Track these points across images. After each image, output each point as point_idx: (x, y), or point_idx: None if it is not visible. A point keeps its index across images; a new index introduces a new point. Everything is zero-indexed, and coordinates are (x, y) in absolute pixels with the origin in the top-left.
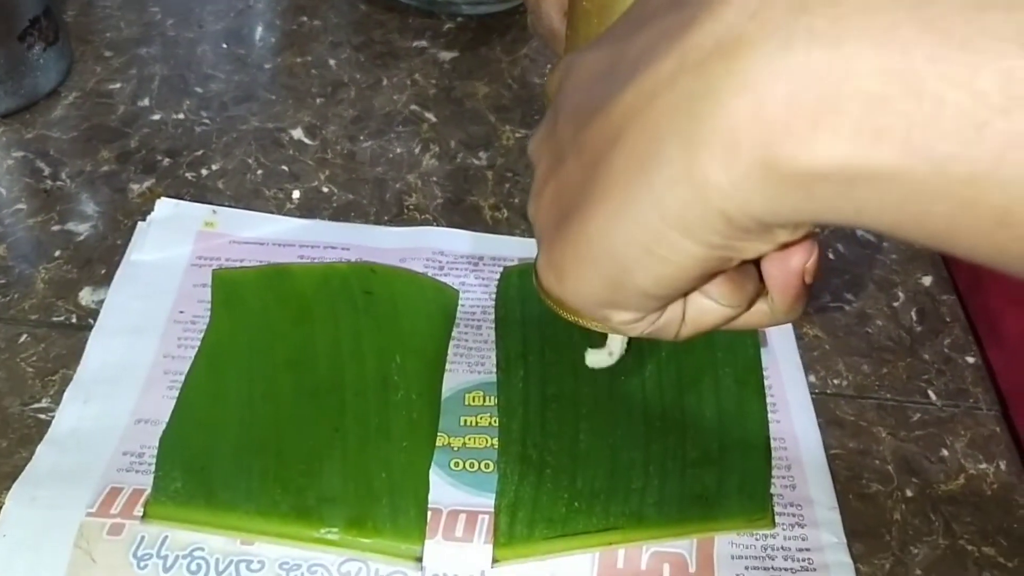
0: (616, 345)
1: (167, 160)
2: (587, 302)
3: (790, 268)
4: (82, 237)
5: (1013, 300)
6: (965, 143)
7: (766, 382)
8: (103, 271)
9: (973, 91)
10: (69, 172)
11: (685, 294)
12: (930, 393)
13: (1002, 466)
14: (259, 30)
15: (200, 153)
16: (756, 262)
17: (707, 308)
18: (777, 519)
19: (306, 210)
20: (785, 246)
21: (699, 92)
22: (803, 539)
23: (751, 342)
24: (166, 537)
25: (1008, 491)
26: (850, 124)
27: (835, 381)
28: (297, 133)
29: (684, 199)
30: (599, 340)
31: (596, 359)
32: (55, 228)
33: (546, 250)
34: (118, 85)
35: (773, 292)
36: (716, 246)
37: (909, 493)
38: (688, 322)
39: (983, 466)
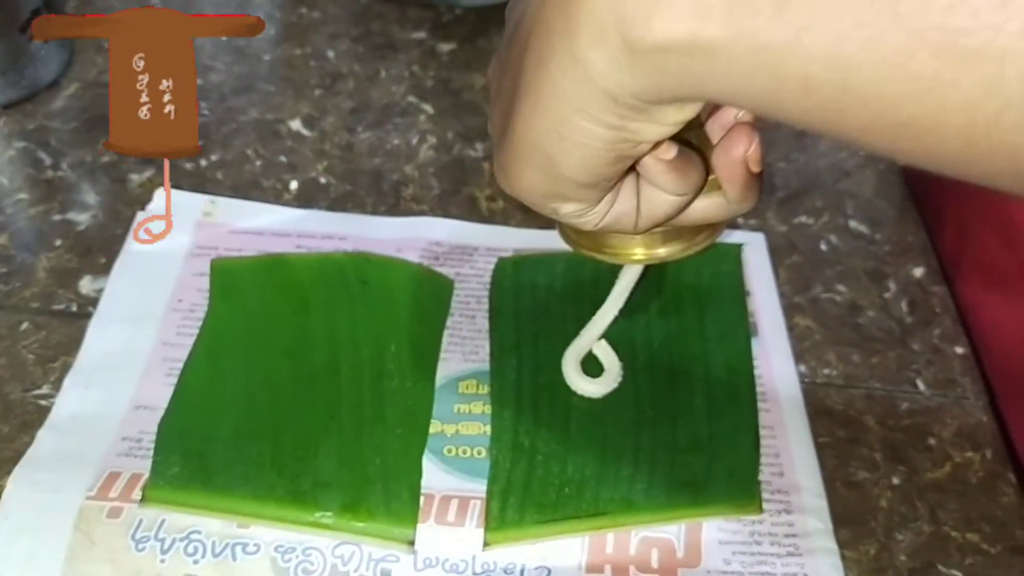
0: (611, 376)
1: None
2: (535, 196)
3: (733, 157)
4: (83, 226)
5: (1001, 290)
6: (771, 20)
7: (756, 372)
8: (103, 260)
9: None
10: (70, 162)
11: (613, 182)
12: (918, 383)
13: (988, 455)
14: None
15: (200, 143)
16: (702, 153)
17: (657, 198)
18: (764, 505)
19: (304, 200)
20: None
21: None
22: (789, 525)
23: (742, 333)
24: (164, 520)
25: (993, 479)
26: (683, 3)
27: (825, 371)
28: (296, 124)
29: (575, 83)
30: (595, 371)
31: (589, 388)
32: (56, 217)
33: (497, 156)
34: None
35: (723, 182)
36: (615, 126)
37: (896, 481)
38: (643, 213)
39: (969, 455)
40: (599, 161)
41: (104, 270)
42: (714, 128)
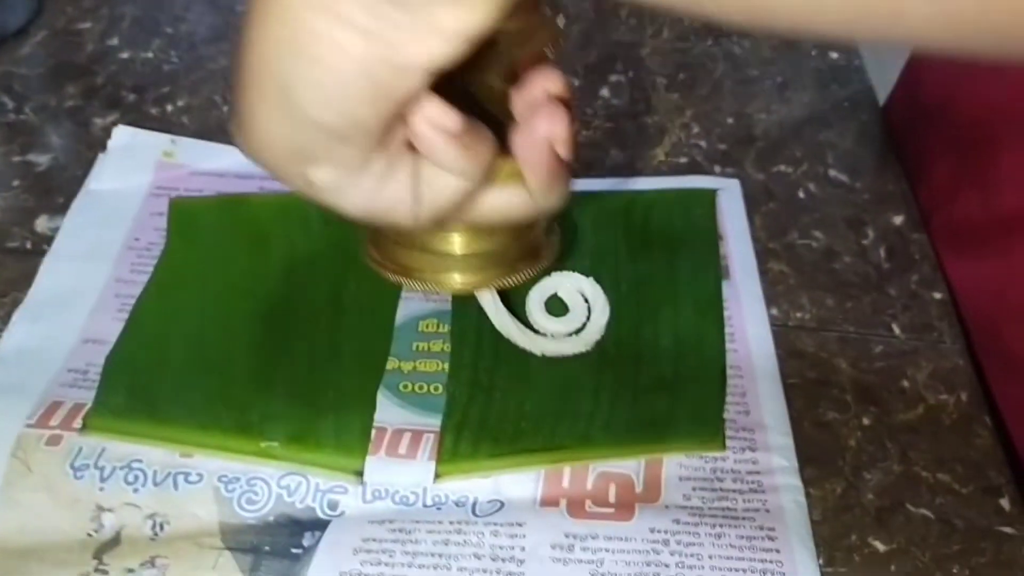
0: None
1: (132, 96)
2: (278, 155)
3: (537, 137)
4: (42, 168)
5: (976, 243)
6: None
7: (726, 313)
8: (61, 200)
9: None
10: (33, 106)
11: (375, 137)
12: (894, 327)
13: (963, 397)
14: None
15: (167, 90)
16: (497, 132)
17: (438, 181)
18: (728, 443)
19: None
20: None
21: None
22: (753, 463)
23: (713, 275)
24: (104, 449)
25: (968, 422)
26: None
27: (798, 314)
28: None
29: None
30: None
31: (550, 327)
32: (15, 159)
33: (235, 112)
34: (88, 25)
35: (525, 169)
36: (366, 30)
37: (866, 421)
38: (424, 200)
39: (943, 397)
40: (350, 93)
41: (62, 210)
42: (519, 106)
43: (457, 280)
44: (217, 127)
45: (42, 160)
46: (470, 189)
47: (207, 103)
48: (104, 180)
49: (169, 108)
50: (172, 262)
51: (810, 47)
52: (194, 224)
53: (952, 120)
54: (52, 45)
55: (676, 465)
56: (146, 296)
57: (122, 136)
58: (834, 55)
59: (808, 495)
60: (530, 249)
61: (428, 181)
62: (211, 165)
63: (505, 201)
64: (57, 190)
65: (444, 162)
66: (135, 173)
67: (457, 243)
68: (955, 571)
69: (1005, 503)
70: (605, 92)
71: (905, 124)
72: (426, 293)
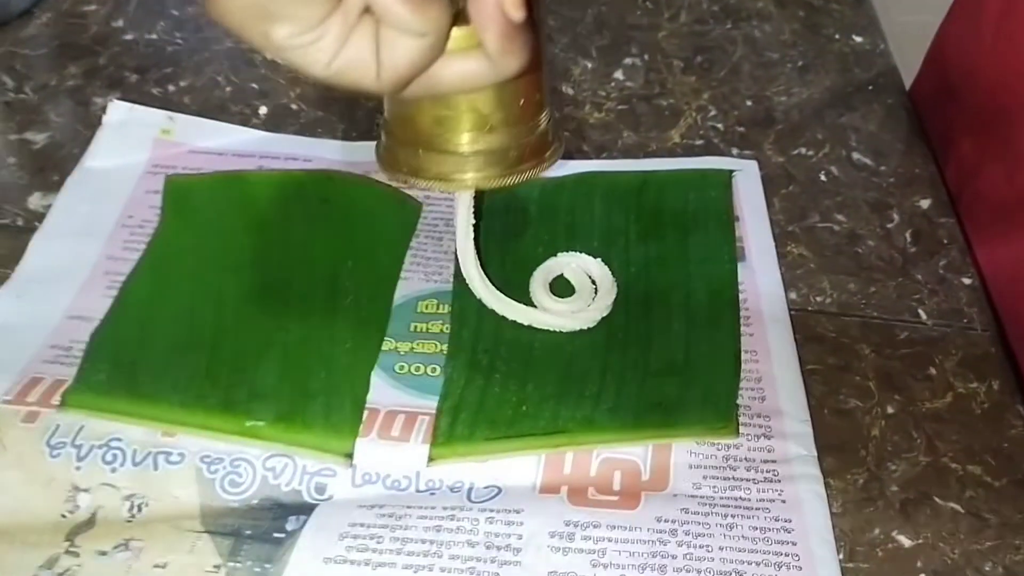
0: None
1: (135, 76)
2: (238, 13)
3: None
4: (39, 146)
5: (1005, 224)
6: None
7: (741, 296)
8: (56, 178)
9: None
10: (33, 86)
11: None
12: (920, 312)
13: (995, 386)
14: None
15: (169, 71)
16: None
17: (397, 42)
18: (742, 429)
19: (272, 126)
20: None
21: None
22: (769, 451)
23: (727, 257)
24: (82, 427)
25: (1000, 411)
26: None
27: (818, 299)
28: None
29: None
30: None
31: (555, 308)
32: (12, 137)
33: None
34: (93, 7)
35: (478, 28)
36: None
37: (890, 410)
38: (384, 63)
39: (974, 385)
40: None
41: (56, 187)
42: None
43: (464, 177)
44: (219, 107)
45: (39, 138)
46: (428, 52)
47: (210, 83)
48: (100, 158)
49: (171, 88)
50: (165, 239)
51: (832, 31)
52: (189, 202)
53: (976, 94)
54: (56, 26)
55: (686, 452)
56: (137, 273)
57: (118, 112)
58: (858, 38)
59: (828, 486)
60: (536, 148)
61: (387, 43)
62: (210, 143)
63: (465, 67)
64: (52, 168)
65: (398, 22)
66: (131, 151)
67: (464, 140)
68: (987, 569)
69: None
70: (619, 75)
71: (931, 103)
72: (433, 192)
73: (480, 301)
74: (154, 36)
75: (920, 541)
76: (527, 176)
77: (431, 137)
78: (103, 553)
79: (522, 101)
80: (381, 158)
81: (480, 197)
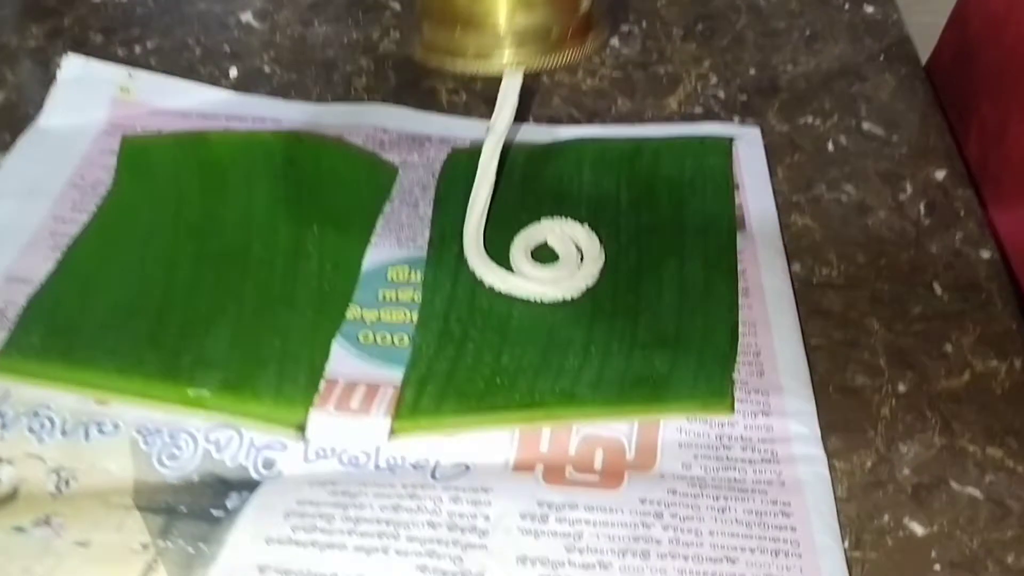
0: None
1: (100, 38)
2: None
3: None
4: None
5: None
6: None
7: (740, 267)
8: (7, 138)
9: None
10: None
11: None
12: (935, 286)
13: (1016, 364)
14: None
15: (137, 32)
16: None
17: None
18: (738, 406)
19: (243, 88)
20: None
21: None
22: (767, 429)
23: (725, 227)
24: (8, 393)
25: (1023, 391)
26: None
27: (824, 271)
28: (246, 16)
29: None
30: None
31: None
32: None
33: None
34: None
35: None
36: None
37: (902, 388)
38: None
39: (994, 363)
40: None
41: (8, 148)
42: None
43: (504, 56)
44: (188, 68)
45: None
46: None
47: (179, 45)
48: (55, 117)
49: (137, 49)
50: (118, 201)
51: (842, 1)
52: (146, 162)
53: (1000, 52)
54: None
55: (675, 430)
56: (84, 235)
57: (73, 67)
58: (869, 8)
59: (832, 468)
60: (577, 29)
61: None
62: (173, 103)
63: None
64: (6, 127)
65: None
66: (88, 109)
67: (503, 16)
68: (1010, 561)
69: None
70: (615, 42)
71: (952, 71)
72: (472, 74)
73: (456, 266)
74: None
75: (935, 529)
76: (568, 58)
77: (470, 14)
78: (20, 529)
79: None
80: (417, 46)
81: (460, 164)
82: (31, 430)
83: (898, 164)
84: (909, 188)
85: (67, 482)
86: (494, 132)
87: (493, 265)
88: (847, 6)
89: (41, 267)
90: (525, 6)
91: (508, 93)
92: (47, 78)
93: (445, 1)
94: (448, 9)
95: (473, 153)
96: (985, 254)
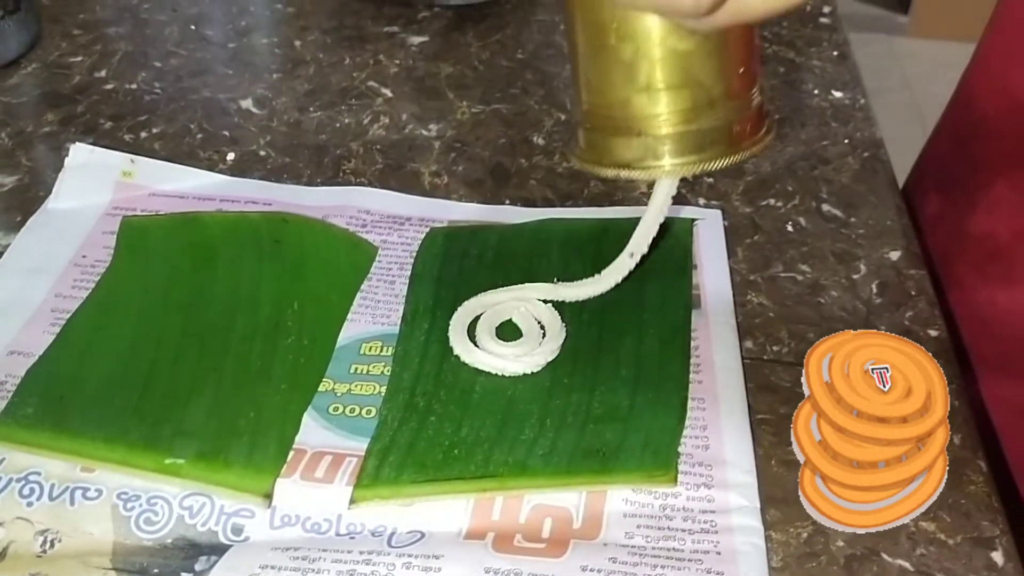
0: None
1: (109, 123)
2: None
3: None
4: (7, 188)
5: (986, 275)
6: None
7: (693, 343)
8: (19, 218)
9: None
10: (10, 132)
11: None
12: None
13: (955, 441)
14: (232, 13)
15: (144, 118)
16: None
17: None
18: (682, 478)
19: (238, 171)
20: None
21: None
22: (708, 500)
23: (682, 304)
24: (3, 459)
25: (960, 466)
26: None
27: (774, 348)
28: (246, 103)
29: None
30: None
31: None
32: None
33: None
34: (79, 58)
35: None
36: None
37: None
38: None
39: None
40: None
41: (18, 228)
42: None
43: (671, 162)
44: (188, 153)
45: (8, 181)
46: None
47: (182, 130)
48: (63, 199)
49: (143, 135)
50: (115, 278)
51: (812, 87)
52: (142, 241)
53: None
54: (41, 76)
55: (621, 500)
56: (82, 310)
57: (79, 154)
58: (838, 94)
59: (769, 539)
60: (750, 126)
61: None
62: (172, 186)
63: None
64: (17, 209)
65: None
66: (93, 193)
67: (670, 123)
68: None
69: (998, 557)
70: None
71: (957, 142)
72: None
73: (426, 341)
74: (134, 86)
75: None
76: (746, 154)
77: (642, 122)
78: None
79: (741, 69)
80: (580, 156)
81: (436, 243)
82: (21, 494)
83: (854, 244)
84: (863, 268)
85: (52, 543)
86: (644, 224)
87: (464, 339)
88: (816, 91)
89: (40, 341)
90: (695, 112)
91: (660, 198)
92: (58, 162)
93: (612, 109)
94: (621, 123)
95: (451, 232)
96: (933, 332)
